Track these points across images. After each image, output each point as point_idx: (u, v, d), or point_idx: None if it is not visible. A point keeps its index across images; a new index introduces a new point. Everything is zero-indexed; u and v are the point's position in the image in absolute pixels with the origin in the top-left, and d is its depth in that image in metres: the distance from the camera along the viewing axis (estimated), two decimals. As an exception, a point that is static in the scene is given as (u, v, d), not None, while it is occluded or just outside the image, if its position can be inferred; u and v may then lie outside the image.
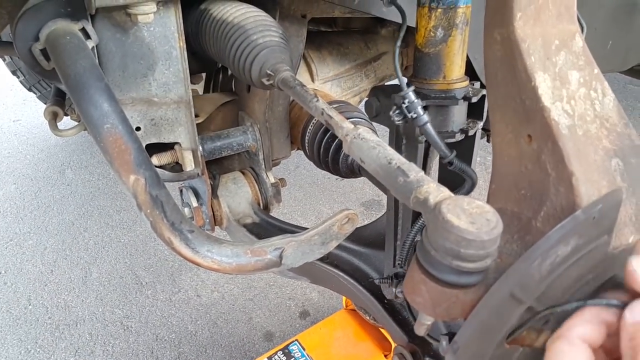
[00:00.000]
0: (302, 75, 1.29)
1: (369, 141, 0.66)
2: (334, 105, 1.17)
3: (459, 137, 0.87)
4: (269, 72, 0.82)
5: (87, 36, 0.79)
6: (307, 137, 1.16)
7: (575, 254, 0.57)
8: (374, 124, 1.06)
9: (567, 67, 0.65)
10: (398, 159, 0.64)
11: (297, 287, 2.02)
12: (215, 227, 1.22)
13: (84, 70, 0.73)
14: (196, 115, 1.13)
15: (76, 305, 1.97)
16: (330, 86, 1.35)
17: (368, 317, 1.22)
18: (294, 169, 2.97)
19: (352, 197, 2.75)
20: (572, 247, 0.56)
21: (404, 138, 0.88)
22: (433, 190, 0.59)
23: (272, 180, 1.20)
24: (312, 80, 1.31)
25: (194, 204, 1.15)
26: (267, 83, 0.83)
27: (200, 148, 1.07)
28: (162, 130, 1.01)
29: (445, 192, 0.59)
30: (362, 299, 1.10)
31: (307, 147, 1.18)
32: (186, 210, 1.18)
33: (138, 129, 0.98)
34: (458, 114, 0.87)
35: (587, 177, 0.60)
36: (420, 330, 0.65)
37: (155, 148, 1.02)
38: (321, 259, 1.13)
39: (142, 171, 0.82)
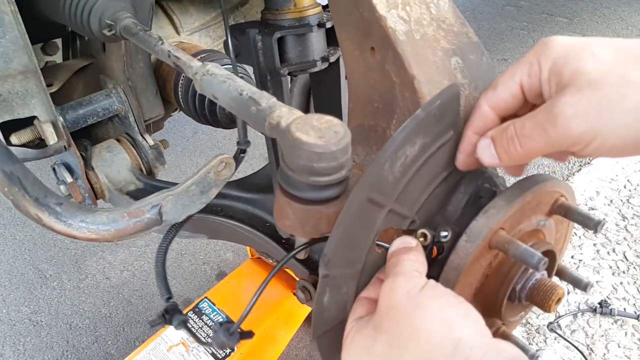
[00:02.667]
0: (166, 29, 1.23)
1: (219, 76, 0.65)
2: (202, 55, 1.13)
3: (321, 65, 0.87)
4: (108, 21, 0.77)
5: None
6: (180, 92, 1.12)
7: (424, 152, 0.59)
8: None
9: (399, -26, 0.66)
10: (249, 89, 0.62)
11: (211, 251, 2.00)
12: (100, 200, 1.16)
13: None
14: (50, 85, 1.05)
15: (-24, 313, 1.85)
16: (199, 37, 1.30)
17: (271, 261, 1.23)
18: (192, 135, 2.89)
19: (256, 153, 2.73)
20: (420, 146, 0.58)
21: (268, 74, 0.87)
22: (285, 114, 0.59)
23: (151, 142, 1.15)
24: (177, 32, 1.25)
25: (69, 179, 1.08)
26: (109, 34, 0.78)
27: (61, 119, 1.00)
28: (15, 105, 0.93)
29: (297, 113, 0.59)
30: (262, 244, 1.10)
31: (182, 102, 1.14)
32: (62, 187, 1.11)
33: (-14, 107, 0.90)
34: (317, 42, 0.87)
35: (428, 78, 0.62)
36: (300, 253, 0.66)
37: (13, 127, 0.95)
38: (215, 213, 1.11)
39: (-12, 149, 0.75)
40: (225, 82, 0.63)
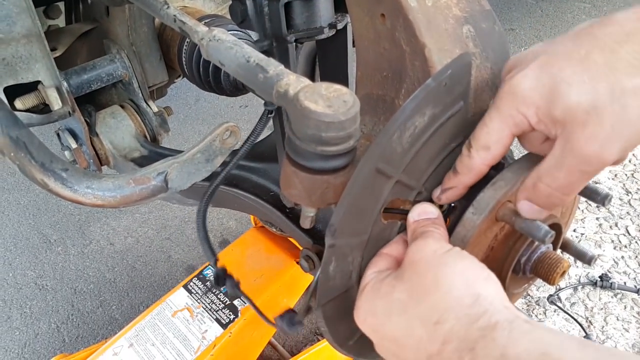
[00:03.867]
0: (169, -7, 1.20)
1: (226, 42, 0.64)
2: (206, 20, 1.11)
3: (328, 32, 0.86)
4: (112, -16, 0.75)
5: None
6: (184, 58, 1.11)
7: (433, 123, 0.59)
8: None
9: (411, -62, 0.64)
10: (256, 55, 0.62)
11: (214, 219, 2.01)
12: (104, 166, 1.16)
13: None
14: (54, 49, 1.04)
15: (-18, 276, 1.87)
16: (203, 1, 1.28)
17: (275, 230, 1.23)
18: (195, 103, 2.87)
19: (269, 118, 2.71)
20: (429, 117, 0.58)
21: (274, 40, 0.85)
22: (293, 82, 0.58)
23: (155, 109, 1.14)
24: (181, -3, 1.23)
25: (73, 145, 1.08)
26: (113, -3, 0.76)
27: (65, 84, 0.99)
28: (18, 70, 0.93)
29: (305, 82, 0.59)
30: (266, 212, 1.10)
31: (186, 69, 1.12)
32: (67, 153, 1.11)
33: (-10, 71, 0.90)
34: (324, 8, 0.85)
35: (439, 46, 0.61)
36: (305, 223, 0.66)
37: (18, 92, 0.94)
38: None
39: (-7, 113, 0.75)
40: (232, 49, 0.62)
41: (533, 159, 0.61)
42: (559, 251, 0.72)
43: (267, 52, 0.84)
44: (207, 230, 0.89)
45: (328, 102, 0.53)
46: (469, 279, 0.50)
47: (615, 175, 2.10)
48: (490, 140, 0.57)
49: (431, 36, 0.61)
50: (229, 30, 1.02)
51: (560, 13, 3.50)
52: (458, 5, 0.64)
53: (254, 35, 0.89)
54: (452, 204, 0.66)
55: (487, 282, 0.50)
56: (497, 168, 0.65)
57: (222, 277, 0.87)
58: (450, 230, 0.63)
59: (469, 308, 0.47)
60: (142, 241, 1.94)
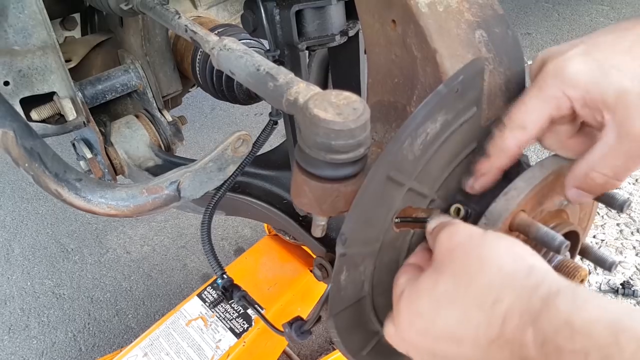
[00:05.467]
0: (183, 3, 1.22)
1: (236, 51, 0.64)
2: (219, 29, 1.12)
3: (340, 39, 0.85)
4: (125, -5, 0.76)
5: None
6: (197, 67, 1.11)
7: (445, 130, 0.58)
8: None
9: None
10: (266, 64, 0.61)
11: (229, 227, 2.02)
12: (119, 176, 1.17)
13: None
14: (69, 60, 1.05)
15: (2, 284, 1.89)
16: (216, 11, 1.29)
17: (289, 238, 1.23)
18: (210, 112, 2.89)
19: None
20: (441, 124, 0.57)
21: (286, 49, 0.85)
22: (302, 90, 0.58)
23: (169, 119, 1.15)
24: (195, 6, 1.24)
25: (88, 155, 1.09)
26: (126, 8, 0.77)
27: (80, 95, 1.00)
28: (34, 81, 0.94)
29: (315, 89, 0.58)
30: (279, 220, 1.10)
31: (199, 78, 1.13)
32: (82, 163, 1.12)
33: (7, 83, 0.91)
34: (335, 15, 0.84)
35: (451, 52, 0.60)
36: (316, 231, 0.65)
37: (33, 103, 0.95)
38: (233, 190, 1.11)
39: (9, 123, 0.76)
40: (242, 57, 0.62)
41: (546, 166, 0.60)
42: (578, 258, 0.70)
43: (279, 61, 0.84)
44: (212, 243, 0.89)
45: (338, 110, 0.53)
46: (517, 254, 0.47)
47: (637, 180, 2.06)
48: (528, 120, 0.55)
49: (442, 42, 0.60)
50: (241, 40, 1.03)
51: (578, 16, 3.46)
52: (470, 10, 0.63)
53: (267, 44, 0.89)
54: (467, 214, 0.64)
55: (535, 256, 0.47)
56: (513, 173, 0.64)
57: (230, 290, 0.87)
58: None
59: (525, 279, 0.44)
60: (158, 250, 1.95)
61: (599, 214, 1.90)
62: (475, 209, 0.63)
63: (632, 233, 1.82)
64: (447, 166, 0.62)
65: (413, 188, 0.60)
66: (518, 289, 0.44)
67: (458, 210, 0.64)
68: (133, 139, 1.13)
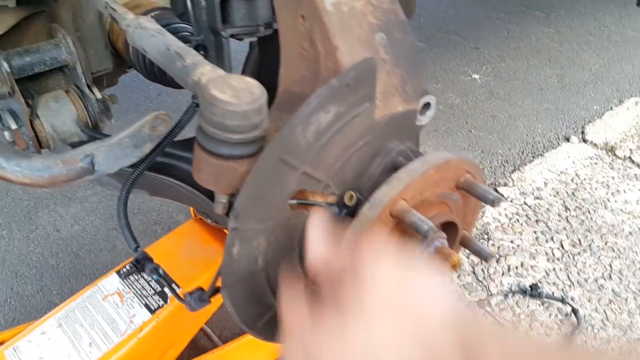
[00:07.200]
0: (124, -16, 1.22)
1: (150, 30, 0.67)
2: (155, 12, 1.13)
3: (264, 31, 0.89)
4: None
5: None
6: (131, 47, 1.13)
7: (338, 120, 0.63)
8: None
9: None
10: (176, 44, 0.65)
11: (163, 212, 2.02)
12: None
13: None
14: (-5, 28, 1.05)
15: None
16: (158, -6, 1.30)
17: (211, 221, 1.26)
18: (156, 97, 2.87)
19: (195, 111, 2.72)
20: (334, 114, 0.62)
21: (211, 34, 0.88)
22: (207, 72, 0.62)
23: (99, 96, 1.16)
24: (136, -12, 1.25)
25: (13, 126, 1.08)
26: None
27: (6, 64, 1.00)
28: (-46, 46, 0.93)
29: (219, 72, 0.62)
30: (201, 203, 1.13)
31: (132, 58, 1.14)
32: (6, 134, 1.11)
33: None
34: (262, 7, 0.88)
35: (350, 50, 0.65)
36: (218, 208, 0.69)
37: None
38: (157, 170, 1.13)
39: None
40: (154, 37, 0.65)
41: (429, 161, 0.66)
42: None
43: (202, 46, 0.87)
44: (128, 217, 0.91)
45: (235, 93, 0.57)
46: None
47: (557, 193, 2.19)
48: None
49: (343, 40, 0.65)
50: (172, 24, 1.05)
51: (525, 35, 3.62)
52: (374, 13, 0.69)
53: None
54: (358, 201, 0.70)
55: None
56: (402, 165, 0.70)
57: (142, 262, 0.90)
58: (351, 223, 0.67)
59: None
60: (89, 230, 1.93)
61: (518, 221, 2.02)
62: (366, 196, 0.69)
63: (546, 240, 1.94)
64: (341, 155, 0.67)
65: (307, 172, 0.64)
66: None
67: (351, 197, 0.70)
68: (60, 113, 1.13)
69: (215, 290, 0.75)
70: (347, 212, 0.70)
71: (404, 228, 0.68)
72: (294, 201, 0.66)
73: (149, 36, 0.65)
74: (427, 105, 0.75)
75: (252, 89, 0.58)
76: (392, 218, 0.65)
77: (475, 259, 1.79)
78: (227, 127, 0.57)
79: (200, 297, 0.74)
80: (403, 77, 0.70)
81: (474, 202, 0.78)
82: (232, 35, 0.87)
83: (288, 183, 0.63)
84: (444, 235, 0.72)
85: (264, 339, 0.81)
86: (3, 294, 1.69)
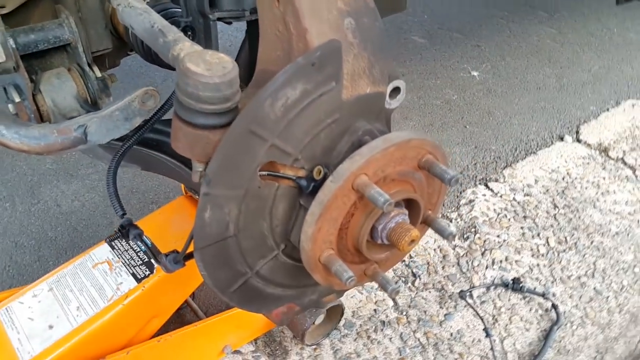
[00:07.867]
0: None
1: (137, 9, 0.72)
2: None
3: (250, 16, 0.94)
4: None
5: None
6: (130, 30, 1.18)
7: (305, 97, 0.68)
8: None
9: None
10: (160, 22, 0.70)
11: (160, 192, 2.08)
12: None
13: None
14: (2, 6, 1.10)
15: None
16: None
17: (199, 197, 1.31)
18: (162, 82, 2.93)
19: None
20: (301, 91, 0.67)
21: (199, 17, 0.94)
22: (186, 48, 0.67)
23: (98, 74, 1.22)
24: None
25: (17, 99, 1.14)
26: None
27: (12, 40, 1.06)
28: (-38, 22, 0.99)
29: (197, 48, 0.67)
30: (186, 177, 1.19)
31: (131, 40, 1.20)
32: (10, 106, 1.18)
33: None
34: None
35: (319, 33, 0.70)
36: (195, 176, 0.74)
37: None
38: (149, 146, 1.19)
39: None
40: (141, 15, 0.71)
41: (390, 139, 0.71)
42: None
43: (190, 27, 0.93)
44: (116, 186, 0.97)
45: (208, 66, 0.62)
46: None
47: (547, 190, 2.22)
48: None
49: (313, 23, 0.70)
50: (168, 9, 1.10)
51: (527, 35, 3.64)
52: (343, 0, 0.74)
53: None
54: (325, 175, 0.75)
55: None
56: (367, 142, 0.74)
57: (127, 228, 0.96)
58: (315, 194, 0.72)
59: None
60: (88, 206, 2.00)
61: (506, 216, 2.06)
62: (332, 171, 0.74)
63: (532, 237, 1.98)
64: (310, 130, 0.72)
65: (276, 145, 0.70)
66: None
67: (319, 172, 0.75)
68: (61, 89, 1.19)
69: (190, 255, 0.81)
70: (315, 185, 0.75)
71: (365, 202, 0.73)
72: (264, 172, 0.72)
73: (137, 14, 0.70)
74: (397, 90, 0.80)
75: (224, 64, 0.63)
76: (354, 191, 0.70)
77: (461, 251, 1.83)
78: (200, 97, 0.62)
79: (175, 258, 0.79)
80: (371, 60, 0.75)
81: (438, 183, 0.83)
82: (219, 19, 0.93)
83: (257, 153, 0.69)
84: (405, 211, 0.77)
85: (237, 305, 0.86)
86: (2, 261, 1.76)
